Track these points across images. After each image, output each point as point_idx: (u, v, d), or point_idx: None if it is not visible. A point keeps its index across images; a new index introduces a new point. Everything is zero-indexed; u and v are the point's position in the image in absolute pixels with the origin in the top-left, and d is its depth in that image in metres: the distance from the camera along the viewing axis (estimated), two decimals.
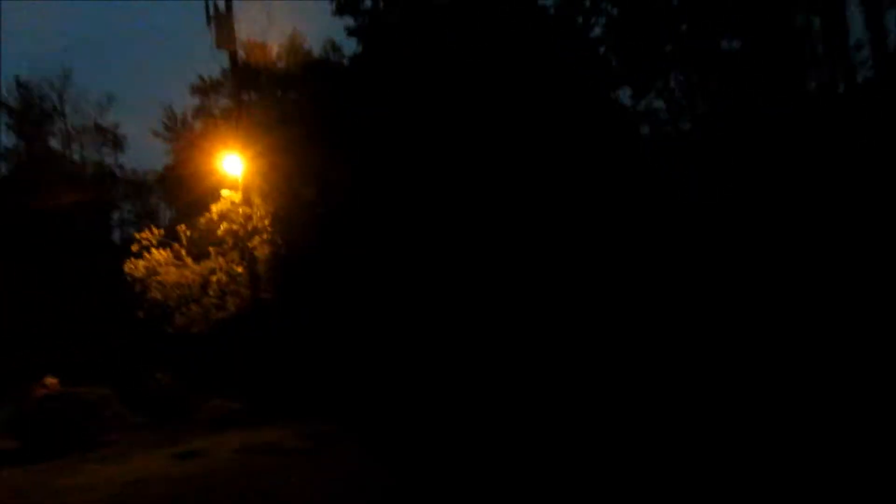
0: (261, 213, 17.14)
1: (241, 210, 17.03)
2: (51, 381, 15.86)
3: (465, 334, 13.47)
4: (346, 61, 23.09)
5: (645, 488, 7.03)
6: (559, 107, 13.53)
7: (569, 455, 8.57)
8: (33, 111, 42.25)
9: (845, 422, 7.83)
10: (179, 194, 32.90)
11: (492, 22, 12.74)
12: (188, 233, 18.21)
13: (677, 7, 13.26)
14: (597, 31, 13.35)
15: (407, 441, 11.04)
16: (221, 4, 16.63)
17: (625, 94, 14.10)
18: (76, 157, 43.96)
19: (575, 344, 12.67)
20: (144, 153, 79.34)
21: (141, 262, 17.65)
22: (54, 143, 43.23)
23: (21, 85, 42.44)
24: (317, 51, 34.11)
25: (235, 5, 16.75)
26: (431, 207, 13.55)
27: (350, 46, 19.41)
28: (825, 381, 9.46)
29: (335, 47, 32.32)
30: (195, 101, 41.95)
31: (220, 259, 17.71)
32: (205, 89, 40.83)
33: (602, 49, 13.34)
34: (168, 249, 18.00)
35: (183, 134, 41.33)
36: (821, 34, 14.01)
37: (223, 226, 17.42)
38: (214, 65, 45.36)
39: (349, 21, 14.48)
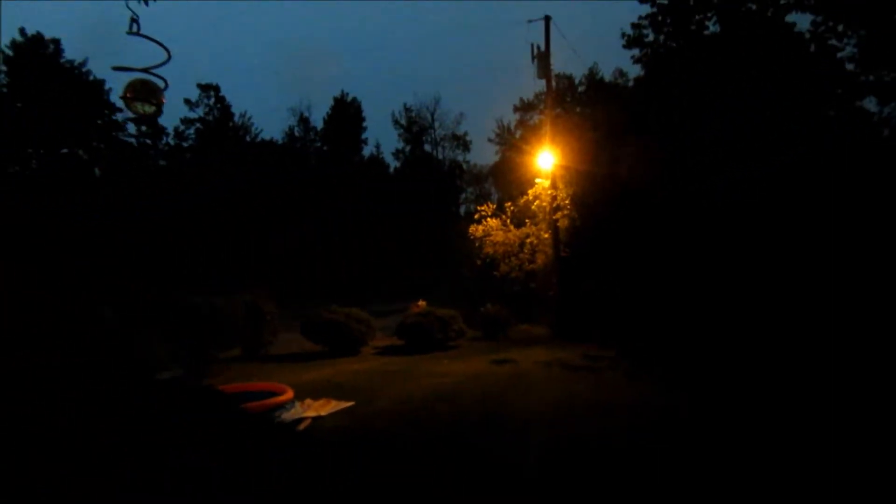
0: (563, 196, 17.41)
1: (549, 193, 17.65)
2: (421, 302, 17.05)
3: (712, 293, 12.83)
4: (630, 83, 22.99)
5: None
6: (812, 116, 12.37)
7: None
8: (415, 125, 48.27)
9: None
10: (505, 181, 35.24)
11: (753, 47, 12.10)
12: (511, 208, 19.37)
13: None
14: (847, 50, 11.99)
15: (667, 369, 10.80)
16: (542, 45, 17.88)
17: (870, 102, 12.50)
18: (439, 156, 49.40)
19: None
20: (481, 152, 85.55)
21: (479, 227, 19.21)
22: (427, 147, 48.91)
23: (408, 108, 48.95)
24: (607, 76, 34.57)
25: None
26: (682, 199, 13.10)
27: (634, 71, 19.23)
28: None
29: (622, 73, 32.45)
30: (516, 116, 45.12)
31: (533, 227, 18.64)
32: (523, 108, 43.93)
33: (852, 66, 11.92)
34: (497, 219, 19.28)
35: (508, 139, 44.34)
36: None
37: (536, 203, 18.41)
38: (530, 88, 47.79)
39: (634, 52, 14.54)
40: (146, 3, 3.21)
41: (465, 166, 49.70)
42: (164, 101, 4.46)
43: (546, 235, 18.03)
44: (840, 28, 11.94)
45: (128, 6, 3.24)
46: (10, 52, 37.92)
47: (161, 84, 4.23)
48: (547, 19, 17.42)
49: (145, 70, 4.15)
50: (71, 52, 40.71)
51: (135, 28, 3.42)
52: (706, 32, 13.30)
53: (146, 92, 4.20)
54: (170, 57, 3.91)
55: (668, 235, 13.61)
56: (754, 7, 13.10)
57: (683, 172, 13.27)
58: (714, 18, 13.26)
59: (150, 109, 4.29)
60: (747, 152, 12.43)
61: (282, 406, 7.56)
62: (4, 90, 37.28)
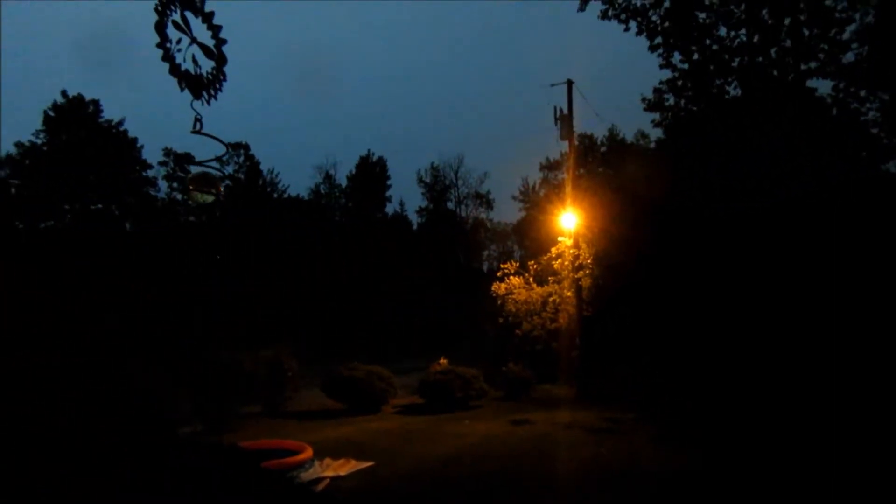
0: (585, 254, 17.37)
1: (571, 252, 17.58)
2: (443, 360, 16.86)
3: (731, 349, 12.59)
4: (652, 145, 23.45)
5: None
6: (833, 176, 12.42)
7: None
8: (439, 184, 49.27)
9: None
10: (528, 239, 35.58)
11: (773, 111, 12.33)
12: (534, 266, 19.23)
13: None
14: (870, 114, 12.16)
15: (688, 432, 10.57)
16: (565, 108, 18.32)
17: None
18: (463, 213, 50.10)
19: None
20: (504, 210, 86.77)
21: (503, 285, 18.99)
22: (450, 205, 49.69)
23: (433, 168, 50.15)
24: (629, 138, 35.27)
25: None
26: (700, 261, 13.10)
27: (656, 133, 19.55)
28: None
29: (644, 135, 33.09)
30: (540, 175, 46.05)
31: (556, 285, 18.42)
32: (547, 167, 44.93)
33: (875, 129, 12.07)
34: (520, 277, 19.13)
35: (532, 198, 45.06)
36: None
37: (558, 262, 18.19)
38: (554, 147, 48.87)
39: (654, 115, 14.84)
40: (208, 103, 3.55)
41: (488, 224, 50.46)
42: (222, 190, 4.83)
43: (569, 294, 17.92)
44: (862, 93, 12.17)
45: (192, 107, 3.59)
46: (51, 113, 40.03)
47: (219, 175, 4.64)
48: (569, 83, 17.94)
49: (202, 163, 4.58)
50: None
51: (198, 127, 3.75)
52: (727, 97, 13.63)
53: (206, 183, 4.59)
54: (228, 150, 4.31)
55: (678, 296, 13.61)
56: (775, 73, 13.44)
57: (691, 211, 13.37)
58: (735, 83, 13.63)
59: (209, 199, 4.66)
60: (756, 189, 12.46)
61: (300, 465, 7.54)
62: (44, 149, 39.17)
